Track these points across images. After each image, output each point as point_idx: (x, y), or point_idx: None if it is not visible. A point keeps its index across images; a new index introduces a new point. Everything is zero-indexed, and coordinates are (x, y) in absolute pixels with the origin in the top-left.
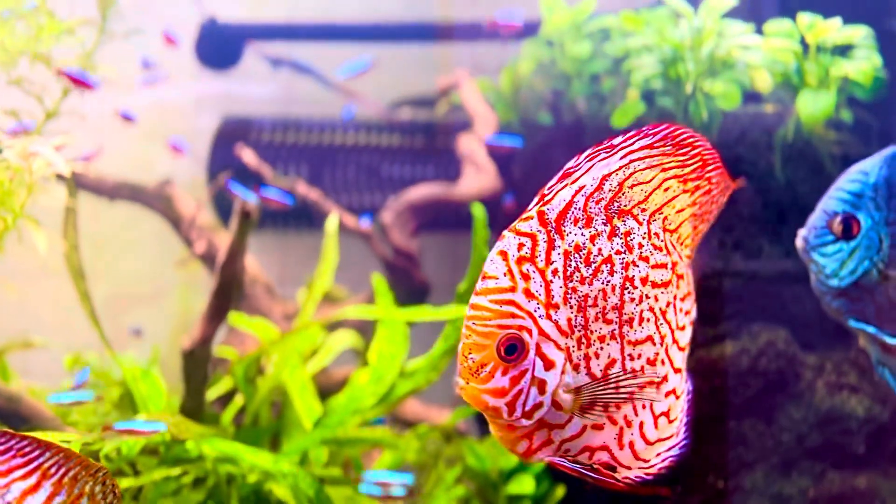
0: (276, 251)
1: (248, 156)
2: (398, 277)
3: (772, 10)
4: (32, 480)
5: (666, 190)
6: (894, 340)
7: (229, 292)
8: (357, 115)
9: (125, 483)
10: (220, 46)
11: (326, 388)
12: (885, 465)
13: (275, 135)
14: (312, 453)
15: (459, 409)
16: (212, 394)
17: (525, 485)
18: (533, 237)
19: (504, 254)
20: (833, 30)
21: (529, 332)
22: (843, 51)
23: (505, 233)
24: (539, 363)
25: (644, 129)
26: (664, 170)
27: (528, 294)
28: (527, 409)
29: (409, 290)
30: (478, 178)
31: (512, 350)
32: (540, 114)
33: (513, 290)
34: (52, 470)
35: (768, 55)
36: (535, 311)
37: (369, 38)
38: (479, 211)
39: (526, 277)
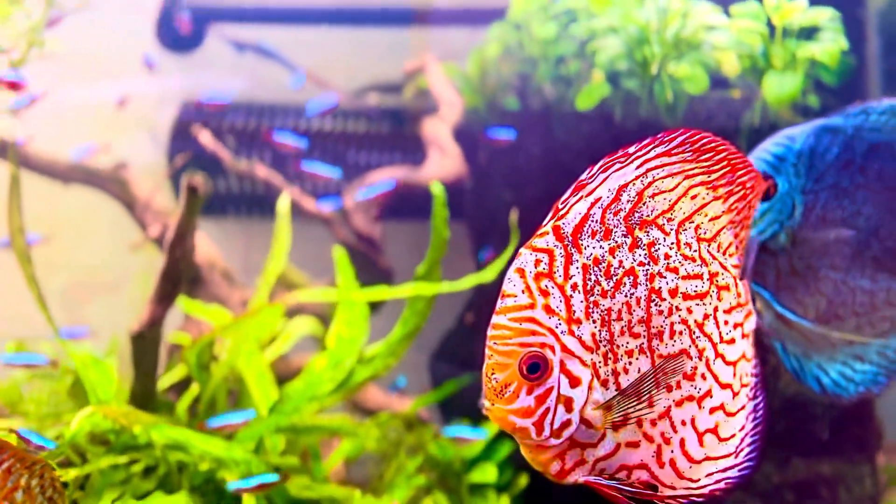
0: (241, 239)
1: (205, 137)
2: (360, 263)
3: None
4: None
5: (694, 198)
6: (786, 311)
7: (178, 273)
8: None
9: (72, 473)
10: (180, 30)
11: (286, 376)
12: (849, 452)
13: (237, 120)
14: (269, 441)
15: (421, 396)
16: (166, 381)
17: (488, 473)
18: (550, 252)
19: (521, 271)
20: (799, 11)
21: (552, 348)
22: (810, 34)
23: (521, 250)
24: (564, 380)
25: (660, 135)
26: (688, 177)
27: (549, 310)
28: (555, 427)
29: (372, 276)
30: (442, 162)
31: (535, 368)
32: (507, 99)
33: (532, 307)
34: None
35: (735, 37)
36: (557, 327)
37: (336, 22)
38: (438, 189)
39: (545, 293)
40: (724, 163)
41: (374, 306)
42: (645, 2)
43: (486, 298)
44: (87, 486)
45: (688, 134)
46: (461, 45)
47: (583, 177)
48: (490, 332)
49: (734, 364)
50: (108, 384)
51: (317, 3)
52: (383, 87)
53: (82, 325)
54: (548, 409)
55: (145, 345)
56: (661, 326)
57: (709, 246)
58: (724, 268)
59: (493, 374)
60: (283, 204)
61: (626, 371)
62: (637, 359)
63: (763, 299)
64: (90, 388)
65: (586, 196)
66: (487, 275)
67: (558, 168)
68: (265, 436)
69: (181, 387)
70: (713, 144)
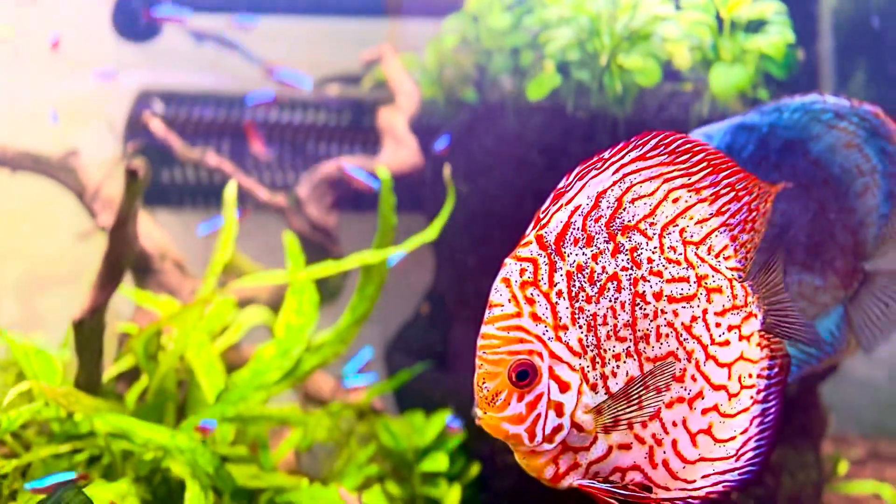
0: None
1: (155, 125)
2: (314, 253)
3: None
4: None
5: (676, 201)
6: None
7: (120, 259)
8: (283, 92)
9: (13, 462)
10: (138, 17)
11: (238, 366)
12: (793, 439)
13: (194, 110)
14: (217, 431)
15: (374, 386)
16: (113, 371)
17: (439, 462)
18: (534, 261)
19: (507, 280)
20: (746, 4)
21: (540, 355)
22: (759, 27)
23: (507, 259)
24: (554, 386)
25: (633, 139)
26: (667, 180)
27: (535, 318)
28: (547, 433)
29: (339, 259)
30: (398, 152)
31: (524, 375)
32: (465, 90)
33: (519, 315)
34: None
35: (684, 29)
36: (544, 334)
37: (297, 12)
38: (384, 175)
39: (531, 301)
40: (705, 164)
41: (330, 295)
42: None
43: (442, 289)
44: (28, 476)
45: (661, 136)
46: (419, 35)
47: (561, 185)
48: (479, 341)
49: (729, 366)
50: (51, 374)
51: None
52: (343, 78)
53: (37, 316)
54: (539, 415)
55: (88, 332)
56: (647, 329)
57: (696, 249)
58: (716, 270)
59: (483, 383)
60: (229, 192)
61: (614, 374)
62: (624, 362)
63: None
64: (32, 378)
65: (566, 204)
66: (430, 234)
67: (512, 159)
68: None
69: (132, 377)
70: (689, 146)
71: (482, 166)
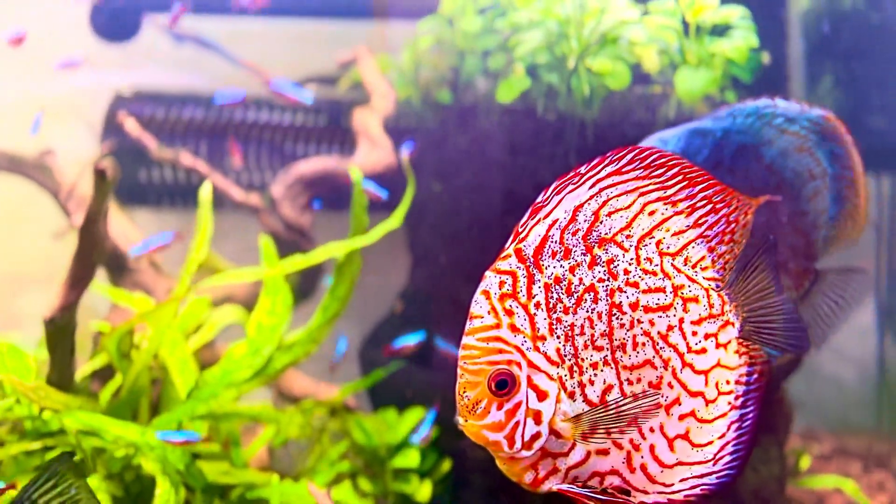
0: (178, 228)
1: (130, 125)
2: (289, 253)
3: None
4: None
5: (652, 214)
6: None
7: (90, 256)
8: (259, 91)
9: None
10: (115, 18)
11: (212, 365)
12: (757, 434)
13: (171, 111)
14: (190, 428)
15: (348, 384)
16: (87, 369)
17: (411, 459)
18: (513, 274)
19: (486, 293)
20: (711, 9)
21: (519, 365)
22: (724, 31)
23: (487, 272)
24: (532, 394)
25: (608, 154)
26: (643, 194)
27: (514, 329)
28: (526, 440)
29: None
30: (372, 152)
31: (503, 385)
32: (440, 91)
33: (498, 326)
34: None
35: (651, 33)
36: (522, 344)
37: (276, 14)
38: (356, 175)
39: (509, 313)
40: (681, 177)
41: (305, 295)
42: None
43: (416, 288)
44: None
45: (636, 151)
46: (396, 36)
47: (539, 199)
48: (460, 352)
49: (706, 373)
50: (24, 371)
51: None
52: (320, 78)
53: (15, 316)
54: (518, 423)
55: (59, 331)
56: (624, 339)
57: (673, 260)
58: (693, 280)
59: (464, 392)
60: (204, 192)
61: (591, 382)
62: (602, 370)
63: None
64: (5, 375)
65: (544, 218)
66: (394, 221)
67: (484, 159)
68: (183, 422)
69: (107, 375)
70: (664, 160)
71: (456, 166)
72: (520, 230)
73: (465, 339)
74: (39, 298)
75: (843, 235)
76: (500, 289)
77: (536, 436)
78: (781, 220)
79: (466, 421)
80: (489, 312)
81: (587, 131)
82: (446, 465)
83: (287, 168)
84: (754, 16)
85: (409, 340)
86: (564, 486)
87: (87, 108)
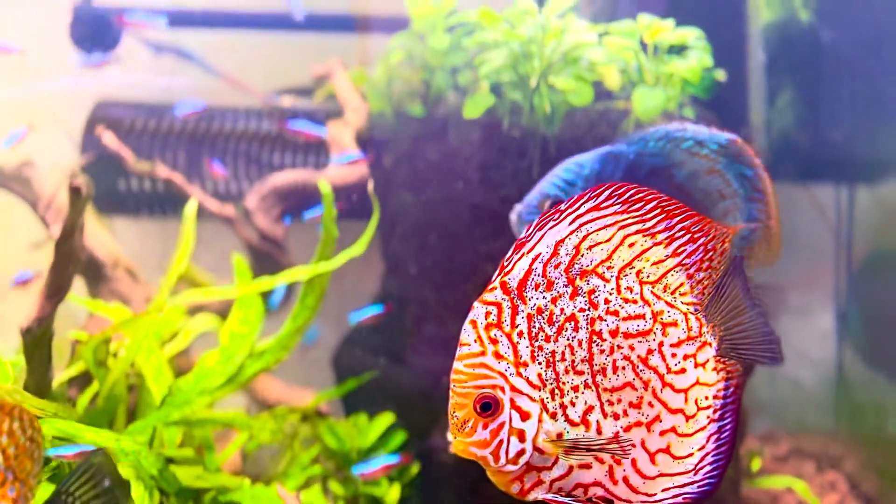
0: (157, 238)
1: (108, 138)
2: (264, 262)
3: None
4: None
5: (632, 245)
6: None
7: (67, 268)
8: (238, 103)
9: None
10: (95, 30)
11: (187, 372)
12: None
13: (150, 121)
14: (166, 434)
15: (322, 391)
16: (64, 376)
17: None
18: (498, 305)
19: (474, 322)
20: (668, 30)
21: (502, 389)
22: (681, 51)
23: (475, 303)
24: (515, 415)
25: (587, 192)
26: (622, 227)
27: (498, 356)
28: (510, 456)
29: (276, 274)
30: (345, 164)
31: (487, 407)
32: (412, 105)
33: (483, 353)
34: None
35: (610, 53)
36: (506, 370)
37: (254, 26)
38: (325, 188)
39: (494, 342)
40: (658, 210)
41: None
42: (528, 18)
43: (388, 295)
44: None
45: (613, 188)
46: (372, 50)
47: (522, 235)
48: (451, 376)
49: (685, 391)
50: (2, 378)
51: (229, 7)
52: (296, 90)
53: None
54: (502, 441)
55: (36, 340)
56: (604, 363)
57: (653, 287)
58: (672, 306)
59: (454, 412)
60: (189, 208)
61: (572, 404)
62: (583, 393)
63: None
64: None
65: (527, 253)
66: (358, 248)
67: (451, 172)
68: (158, 428)
69: (85, 383)
70: (641, 195)
71: (425, 178)
72: (505, 264)
73: (455, 364)
74: (18, 306)
75: (757, 256)
76: (485, 319)
77: (520, 452)
78: None
79: (456, 438)
80: (475, 341)
81: (550, 146)
82: (414, 469)
83: (261, 180)
84: (715, 33)
85: (370, 311)
86: (549, 496)
87: (67, 117)
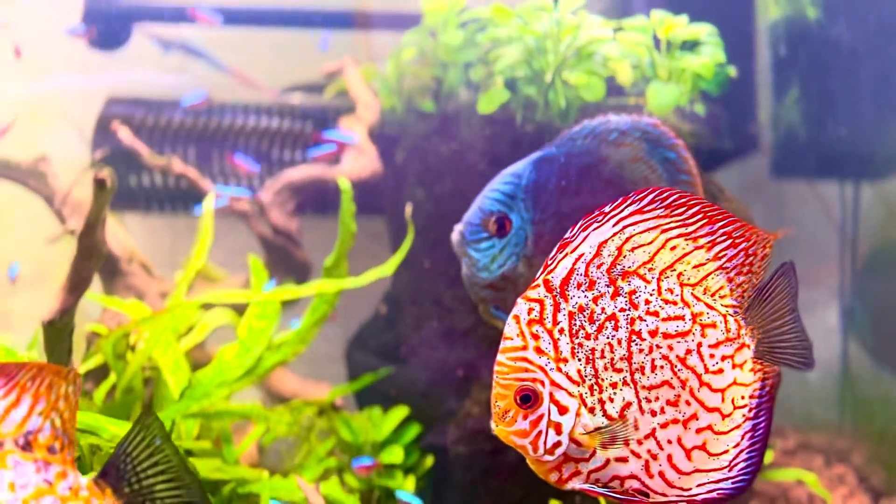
0: (166, 234)
1: (123, 133)
2: (278, 256)
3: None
4: (13, 397)
5: (673, 249)
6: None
7: (89, 262)
8: (248, 99)
9: None
10: (107, 26)
11: (203, 365)
12: None
13: (160, 117)
14: (183, 427)
15: (336, 386)
16: (81, 369)
17: (395, 455)
18: (540, 302)
19: (517, 317)
20: (681, 26)
21: (542, 383)
22: (693, 46)
23: (518, 300)
24: (553, 409)
25: (631, 195)
26: (664, 231)
27: (539, 351)
28: (548, 447)
29: (290, 268)
30: (358, 160)
31: (526, 399)
32: (423, 101)
33: (524, 348)
34: (29, 384)
35: (624, 49)
36: (546, 365)
37: (264, 24)
38: (344, 184)
39: (535, 337)
40: (700, 215)
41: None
42: (543, 14)
43: (401, 290)
44: None
45: (656, 192)
46: (382, 47)
47: (567, 235)
48: (495, 367)
49: (722, 391)
50: None
51: (237, 4)
52: (306, 86)
53: (4, 318)
54: (540, 432)
55: (57, 333)
56: (642, 362)
57: (693, 290)
58: (711, 308)
59: (496, 401)
60: (207, 204)
61: (611, 400)
62: (620, 389)
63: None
64: None
65: (571, 252)
66: (387, 269)
67: (464, 167)
68: (176, 420)
69: (101, 376)
70: (684, 200)
71: (437, 174)
72: (549, 262)
73: (498, 357)
74: (30, 300)
75: None
76: (528, 315)
77: (557, 444)
78: None
79: (497, 426)
80: (518, 335)
81: None
82: (429, 462)
83: (276, 175)
84: (724, 29)
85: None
86: (587, 486)
87: (77, 113)
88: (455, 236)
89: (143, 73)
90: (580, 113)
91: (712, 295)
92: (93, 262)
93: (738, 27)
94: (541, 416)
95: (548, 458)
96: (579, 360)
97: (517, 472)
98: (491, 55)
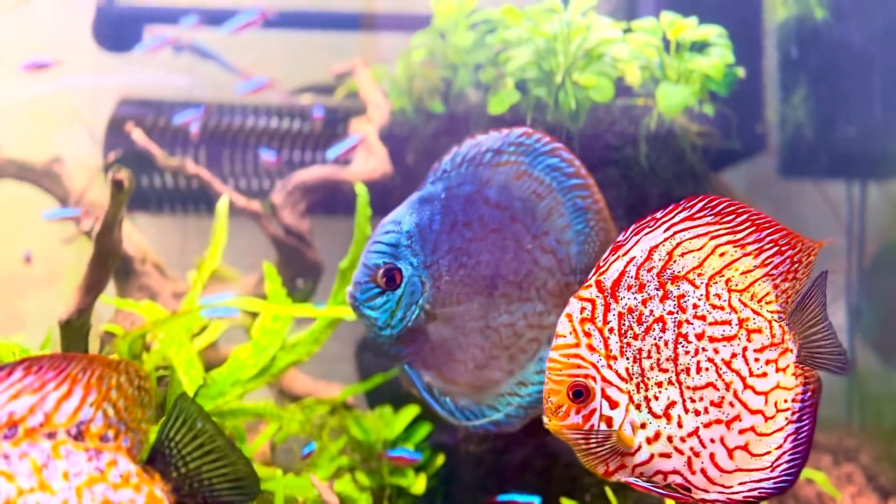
0: (176, 234)
1: (137, 135)
2: (289, 257)
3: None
4: (65, 388)
5: (722, 255)
6: (421, 388)
7: (106, 262)
8: (259, 99)
9: None
10: (117, 29)
11: (215, 364)
12: None
13: (172, 116)
14: None
15: (349, 386)
16: None
17: None
18: (592, 302)
19: (570, 316)
20: (690, 28)
21: (594, 378)
22: (702, 48)
23: (571, 299)
24: (605, 403)
25: (682, 202)
26: (714, 237)
27: (590, 348)
28: (598, 440)
29: (301, 269)
30: (368, 161)
31: (579, 394)
32: (433, 102)
33: (577, 345)
34: (80, 375)
35: (634, 50)
36: (597, 362)
37: (275, 25)
38: (361, 190)
39: (587, 335)
40: (749, 223)
41: (306, 293)
42: (553, 16)
43: None
44: None
45: (707, 200)
46: (399, 48)
47: (619, 238)
48: (547, 364)
49: (766, 394)
50: None
51: (247, 6)
52: (316, 87)
53: (17, 318)
54: (592, 426)
55: (74, 332)
56: (688, 364)
57: (740, 295)
58: (757, 313)
59: (549, 397)
60: (221, 204)
61: (656, 398)
62: (666, 388)
63: (412, 381)
64: None
65: (623, 255)
66: None
67: None
68: None
69: None
70: (733, 208)
71: None
72: (601, 264)
73: (551, 354)
74: (43, 300)
75: (604, 238)
76: (580, 313)
77: (607, 437)
78: (526, 247)
79: (550, 420)
80: (570, 333)
81: (573, 142)
82: (440, 460)
83: (287, 176)
84: (731, 30)
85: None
86: (631, 479)
87: (88, 114)
88: (348, 299)
89: (152, 74)
90: (590, 114)
91: (758, 301)
92: (110, 263)
93: (746, 27)
94: (593, 411)
95: (598, 450)
96: (627, 358)
97: (528, 471)
98: (501, 57)
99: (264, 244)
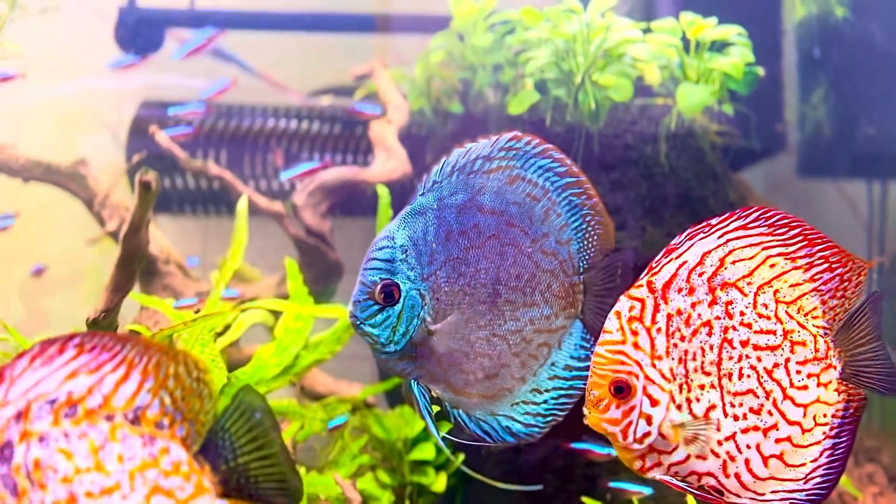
0: (198, 235)
1: (161, 137)
2: (311, 257)
3: (670, 10)
4: (122, 371)
5: (772, 266)
6: (421, 399)
7: (132, 263)
8: (279, 102)
9: None
10: (139, 32)
11: (237, 363)
12: None
13: (194, 120)
14: None
15: (370, 385)
16: None
17: (427, 452)
18: (642, 301)
19: (618, 313)
20: (710, 27)
21: (636, 376)
22: (722, 48)
23: (621, 297)
24: (646, 401)
25: (737, 211)
26: (765, 248)
27: (636, 346)
28: (637, 436)
29: (323, 269)
30: (388, 162)
31: (620, 390)
32: (451, 103)
33: (623, 342)
34: (137, 360)
35: (653, 50)
36: (642, 360)
37: (293, 28)
38: (383, 192)
39: (634, 333)
40: (801, 237)
41: (326, 293)
42: (572, 16)
43: None
44: None
45: (761, 210)
46: (416, 50)
47: (673, 242)
48: (592, 358)
49: (805, 406)
50: None
51: (268, 8)
52: (336, 90)
53: (42, 317)
54: (631, 422)
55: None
56: (731, 369)
57: (788, 307)
58: (803, 326)
59: (591, 390)
60: (242, 204)
61: (697, 400)
62: (707, 392)
63: (415, 397)
64: None
65: (675, 259)
66: None
67: None
68: None
69: None
70: (786, 220)
71: None
72: (653, 266)
73: (597, 348)
74: (67, 300)
75: (602, 234)
76: (629, 312)
77: (647, 434)
78: (526, 252)
79: (590, 413)
80: (618, 330)
81: (593, 142)
82: (460, 459)
83: (309, 177)
84: (751, 29)
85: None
86: (666, 478)
87: (111, 116)
88: (350, 319)
89: (172, 76)
90: (609, 114)
91: (805, 314)
92: (136, 263)
93: (765, 26)
94: (633, 407)
95: (636, 446)
96: (672, 359)
97: (547, 470)
98: (521, 58)
99: (286, 244)
